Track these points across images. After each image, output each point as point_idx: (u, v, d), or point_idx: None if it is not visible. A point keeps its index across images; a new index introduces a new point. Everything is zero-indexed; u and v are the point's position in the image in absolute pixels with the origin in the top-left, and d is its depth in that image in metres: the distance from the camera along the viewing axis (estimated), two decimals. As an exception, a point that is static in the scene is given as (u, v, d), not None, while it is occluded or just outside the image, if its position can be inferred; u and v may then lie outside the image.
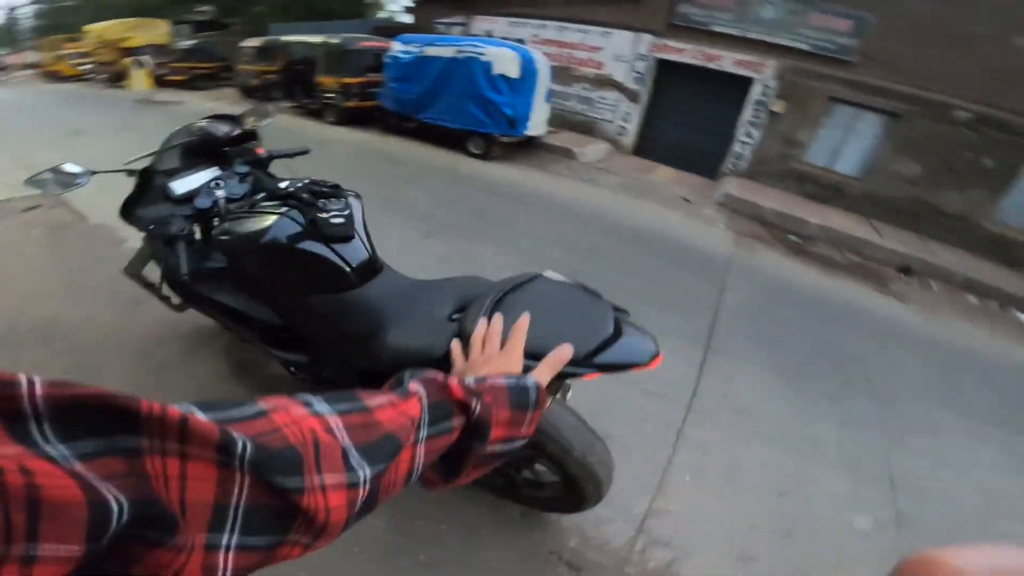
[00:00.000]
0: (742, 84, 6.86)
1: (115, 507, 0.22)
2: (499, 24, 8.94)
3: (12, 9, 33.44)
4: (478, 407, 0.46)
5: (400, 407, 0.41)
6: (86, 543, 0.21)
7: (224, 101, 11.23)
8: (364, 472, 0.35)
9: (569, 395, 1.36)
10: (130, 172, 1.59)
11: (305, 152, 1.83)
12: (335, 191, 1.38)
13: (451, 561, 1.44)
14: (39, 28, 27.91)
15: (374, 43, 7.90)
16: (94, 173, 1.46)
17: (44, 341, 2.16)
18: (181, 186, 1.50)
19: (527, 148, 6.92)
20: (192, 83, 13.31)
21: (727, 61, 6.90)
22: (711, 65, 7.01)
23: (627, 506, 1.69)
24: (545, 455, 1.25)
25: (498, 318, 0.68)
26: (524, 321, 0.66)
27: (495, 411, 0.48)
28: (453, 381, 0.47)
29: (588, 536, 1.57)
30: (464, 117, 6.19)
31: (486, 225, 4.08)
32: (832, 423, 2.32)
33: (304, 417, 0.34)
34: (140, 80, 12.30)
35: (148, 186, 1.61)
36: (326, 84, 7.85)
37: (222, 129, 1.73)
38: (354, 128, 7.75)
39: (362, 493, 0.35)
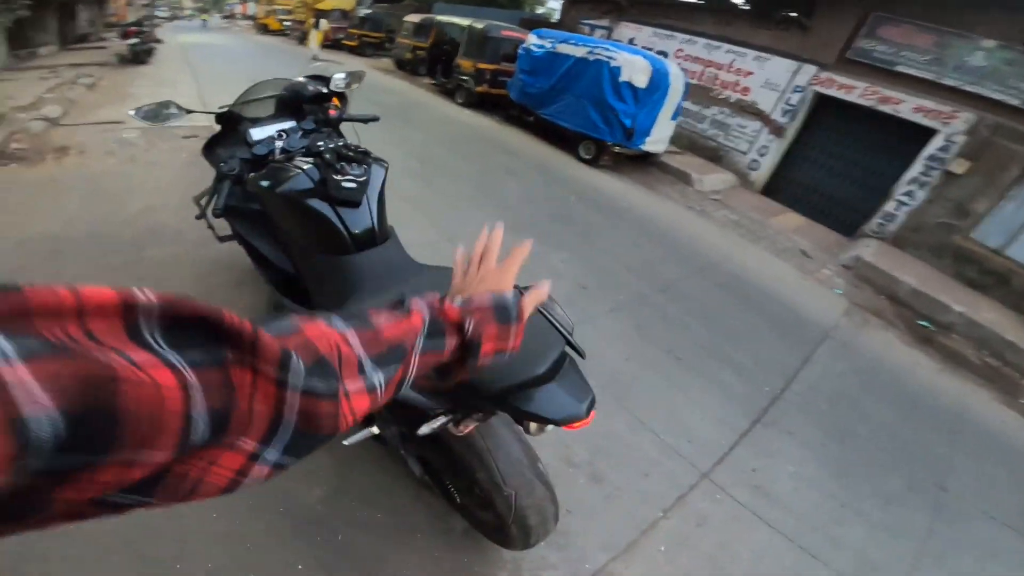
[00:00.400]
0: (918, 135, 5.78)
1: (209, 418, 0.25)
2: (644, 33, 8.55)
3: None
4: (471, 326, 0.51)
5: (404, 322, 0.45)
6: (175, 450, 0.24)
7: (377, 69, 12.24)
8: (379, 377, 0.40)
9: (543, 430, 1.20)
10: (219, 116, 1.72)
11: (375, 119, 1.85)
12: (362, 157, 1.39)
13: (366, 550, 1.37)
14: None
15: (514, 33, 8.01)
16: (189, 112, 1.60)
17: (137, 246, 2.48)
18: (258, 133, 1.59)
19: (640, 163, 6.56)
20: (360, 49, 14.69)
21: (906, 107, 5.85)
22: (884, 108, 6.00)
23: (580, 558, 1.49)
24: (476, 482, 1.12)
25: (497, 232, 0.69)
26: (526, 246, 0.68)
27: (485, 328, 0.52)
28: (448, 303, 0.52)
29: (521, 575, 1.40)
30: (581, 119, 6.02)
31: (568, 231, 3.91)
32: (866, 526, 1.88)
33: (329, 332, 0.37)
34: (314, 39, 13.86)
35: (232, 129, 1.73)
36: (463, 66, 8.16)
37: (307, 87, 1.81)
38: (479, 112, 7.97)
39: (380, 394, 0.40)
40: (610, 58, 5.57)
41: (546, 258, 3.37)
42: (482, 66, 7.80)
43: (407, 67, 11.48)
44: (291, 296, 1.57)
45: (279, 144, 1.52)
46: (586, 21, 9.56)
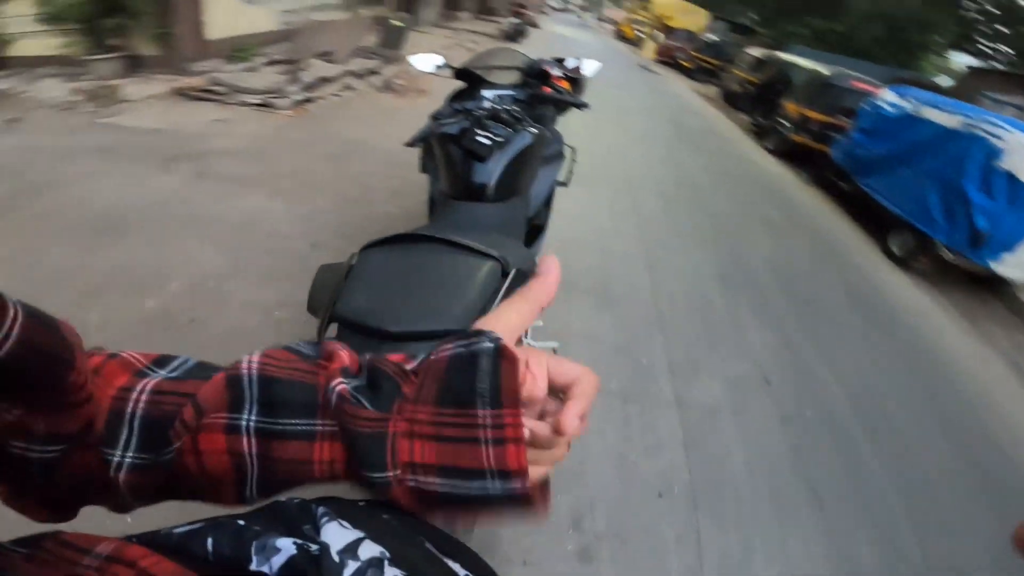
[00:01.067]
0: None
1: None
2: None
3: None
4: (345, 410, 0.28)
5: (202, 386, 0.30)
6: None
7: (699, 94, 12.09)
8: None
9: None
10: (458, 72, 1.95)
11: (584, 105, 1.94)
12: (514, 122, 1.49)
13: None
14: None
15: (867, 86, 6.67)
16: (450, 68, 1.93)
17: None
18: (488, 93, 1.78)
19: (976, 286, 4.72)
20: (692, 72, 14.75)
21: None
22: None
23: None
24: None
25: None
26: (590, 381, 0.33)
27: (405, 413, 0.28)
28: (346, 355, 0.31)
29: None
30: (912, 203, 4.66)
31: (797, 313, 3.16)
32: None
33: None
34: (648, 50, 14.48)
35: (472, 86, 1.97)
36: (788, 109, 7.29)
37: (539, 63, 2.06)
38: (784, 163, 7.07)
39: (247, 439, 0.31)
40: (994, 135, 4.09)
41: (743, 328, 2.84)
42: (810, 113, 6.82)
43: (730, 100, 11.02)
44: None
45: (486, 104, 1.68)
46: (992, 95, 7.30)
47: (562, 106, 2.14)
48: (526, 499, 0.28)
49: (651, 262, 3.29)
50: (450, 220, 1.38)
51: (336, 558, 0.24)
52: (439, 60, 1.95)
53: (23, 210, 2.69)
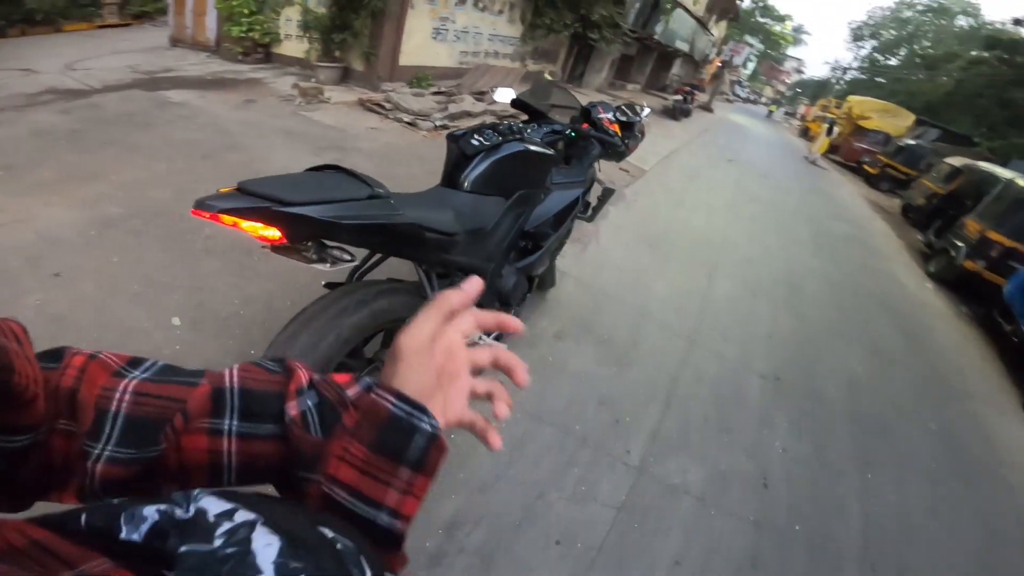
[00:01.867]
0: None
1: None
2: None
3: (839, 68, 39.77)
4: (302, 412, 0.34)
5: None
6: None
7: (872, 203, 10.85)
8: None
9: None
10: (514, 102, 2.24)
11: (616, 147, 2.35)
12: (507, 132, 1.68)
13: None
14: (844, 89, 32.56)
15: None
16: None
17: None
18: (535, 131, 2.06)
19: None
20: (875, 178, 13.12)
21: None
22: None
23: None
24: None
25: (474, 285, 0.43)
26: (511, 322, 0.44)
27: (342, 440, 0.34)
28: (305, 373, 0.37)
29: None
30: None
31: (866, 463, 2.68)
32: None
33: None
34: (820, 143, 13.31)
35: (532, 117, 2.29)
36: (967, 228, 6.16)
37: (591, 104, 2.38)
38: (944, 291, 5.97)
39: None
40: None
41: (769, 429, 2.52)
42: (993, 235, 5.66)
43: (908, 214, 9.63)
44: None
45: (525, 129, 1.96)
46: None
47: (607, 147, 2.37)
48: (398, 539, 0.34)
49: (698, 337, 3.13)
50: (420, 195, 1.58)
51: (211, 519, 0.25)
52: (513, 94, 2.27)
53: (218, 158, 3.75)
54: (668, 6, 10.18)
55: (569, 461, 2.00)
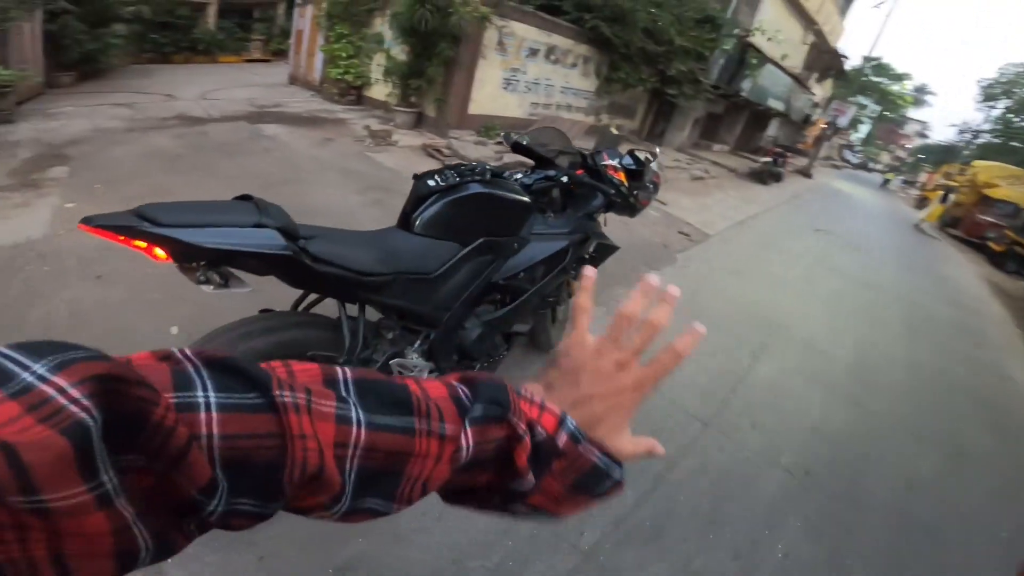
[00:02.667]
0: None
1: None
2: None
3: (968, 131, 35.64)
4: (531, 465, 0.36)
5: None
6: None
7: (998, 285, 9.49)
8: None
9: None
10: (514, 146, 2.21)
11: (608, 194, 2.18)
12: (468, 174, 1.65)
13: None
14: (974, 154, 28.94)
15: None
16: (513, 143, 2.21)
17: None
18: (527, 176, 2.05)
19: None
20: (1001, 256, 11.44)
21: None
22: None
23: None
24: None
25: (672, 294, 0.45)
26: (696, 334, 0.44)
27: (546, 481, 0.37)
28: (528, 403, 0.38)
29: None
30: None
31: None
32: None
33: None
34: (932, 210, 11.90)
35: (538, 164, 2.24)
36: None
37: (594, 150, 2.30)
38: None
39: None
40: None
41: (773, 531, 2.12)
42: None
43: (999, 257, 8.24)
44: None
45: (518, 175, 1.98)
46: None
47: (611, 197, 2.22)
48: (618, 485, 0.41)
49: (717, 422, 2.79)
50: (348, 232, 1.56)
51: None
52: (523, 139, 2.24)
53: (275, 189, 4.16)
54: (754, 61, 9.88)
55: (507, 530, 1.85)
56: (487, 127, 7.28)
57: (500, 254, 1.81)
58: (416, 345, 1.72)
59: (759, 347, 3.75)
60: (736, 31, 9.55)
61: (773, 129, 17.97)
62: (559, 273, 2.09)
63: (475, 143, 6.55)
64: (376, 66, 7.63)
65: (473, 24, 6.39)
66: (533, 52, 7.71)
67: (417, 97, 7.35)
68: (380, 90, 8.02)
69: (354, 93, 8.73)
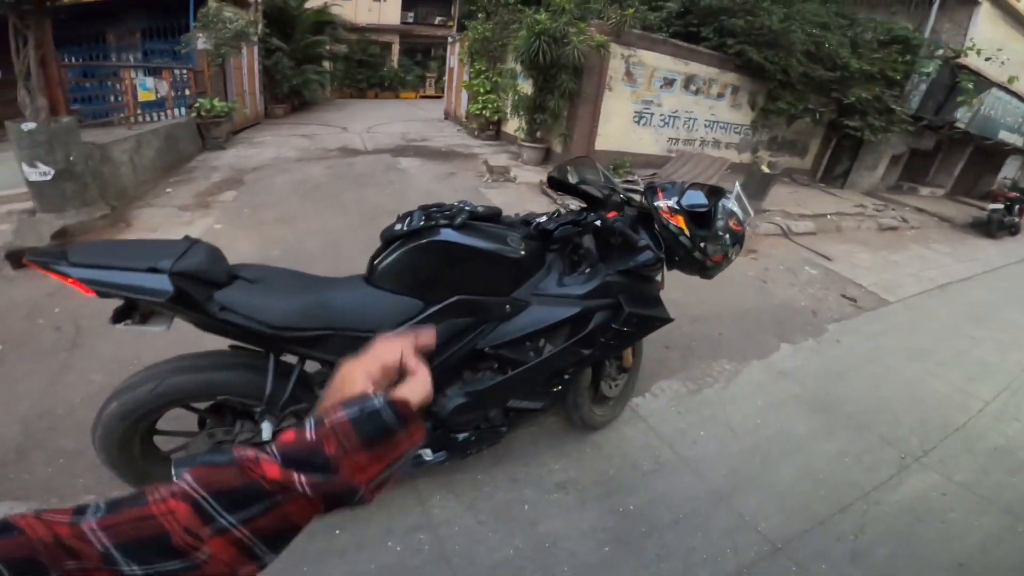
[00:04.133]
0: None
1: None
2: None
3: None
4: (303, 484, 0.39)
5: (176, 503, 0.39)
6: None
7: None
8: (132, 569, 0.36)
9: None
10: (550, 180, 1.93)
11: (641, 248, 1.69)
12: (431, 226, 1.48)
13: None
14: None
15: None
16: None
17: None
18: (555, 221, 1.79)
19: None
20: None
21: None
22: None
23: None
24: None
25: (427, 336, 0.53)
26: (427, 335, 0.53)
27: (347, 460, 0.40)
28: (259, 468, 0.40)
29: None
30: None
31: None
32: None
33: (53, 519, 0.37)
34: None
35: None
36: None
37: (611, 193, 1.84)
38: None
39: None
40: None
41: None
42: None
43: None
44: None
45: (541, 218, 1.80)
46: None
47: (669, 250, 1.71)
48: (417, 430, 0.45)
49: (803, 548, 2.08)
50: (315, 282, 1.53)
51: None
52: (567, 174, 1.89)
53: (380, 220, 4.50)
54: (969, 86, 7.74)
55: None
56: (616, 164, 6.93)
57: (486, 317, 1.58)
58: None
59: (916, 453, 2.72)
60: (939, 51, 7.63)
61: (1012, 170, 13.88)
62: (578, 345, 1.68)
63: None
64: (510, 101, 7.88)
65: (593, 54, 6.18)
66: (668, 82, 7.18)
67: (543, 132, 7.39)
68: (514, 125, 8.30)
69: (493, 128, 9.19)
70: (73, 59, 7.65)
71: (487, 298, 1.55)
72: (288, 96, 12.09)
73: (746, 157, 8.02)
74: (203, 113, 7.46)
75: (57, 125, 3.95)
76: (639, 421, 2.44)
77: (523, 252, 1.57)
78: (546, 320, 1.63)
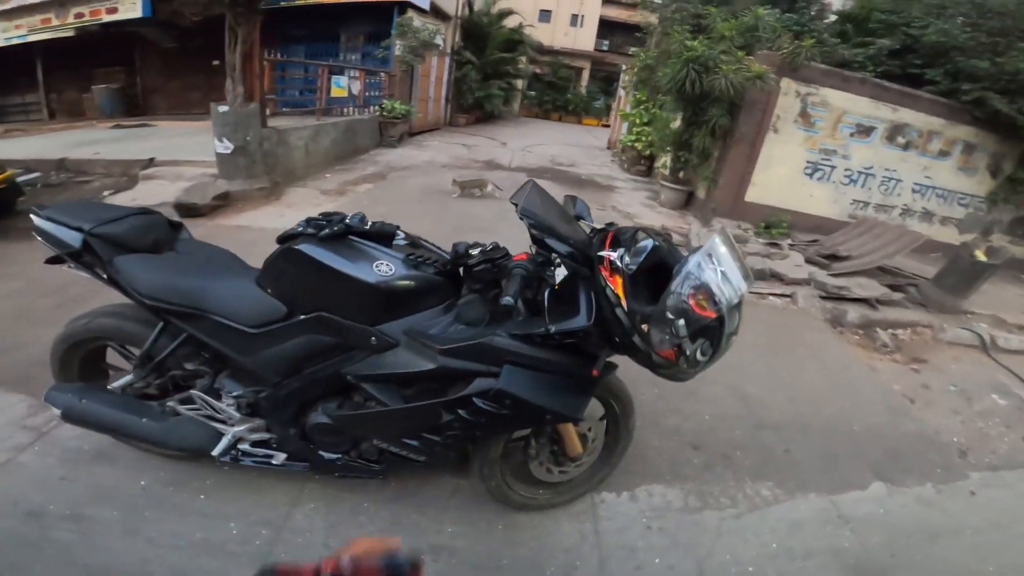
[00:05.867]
0: None
1: None
2: None
3: None
4: None
5: None
6: None
7: None
8: None
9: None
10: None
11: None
12: (304, 231, 1.51)
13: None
14: None
15: None
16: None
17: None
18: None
19: None
20: None
21: None
22: None
23: None
24: None
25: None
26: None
27: None
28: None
29: None
30: None
31: None
32: None
33: None
34: None
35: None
36: None
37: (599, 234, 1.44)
38: None
39: None
40: None
41: None
42: None
43: None
44: None
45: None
46: None
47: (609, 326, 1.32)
48: None
49: None
50: (210, 267, 1.68)
51: None
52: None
53: (463, 235, 4.68)
54: None
55: None
56: (770, 222, 5.86)
57: (350, 343, 1.51)
58: (208, 384, 1.67)
59: None
60: None
61: None
62: (441, 407, 1.45)
63: (735, 237, 5.47)
64: (658, 134, 7.41)
65: (752, 88, 5.37)
66: (863, 130, 5.84)
67: (687, 172, 6.77)
68: (662, 162, 7.82)
69: (645, 163, 8.82)
70: (283, 55, 9.76)
71: (349, 323, 1.47)
72: (472, 107, 13.47)
73: (970, 238, 6.14)
74: (385, 113, 8.76)
75: (243, 110, 5.06)
76: (587, 519, 1.99)
77: (392, 281, 1.43)
78: (404, 366, 1.46)
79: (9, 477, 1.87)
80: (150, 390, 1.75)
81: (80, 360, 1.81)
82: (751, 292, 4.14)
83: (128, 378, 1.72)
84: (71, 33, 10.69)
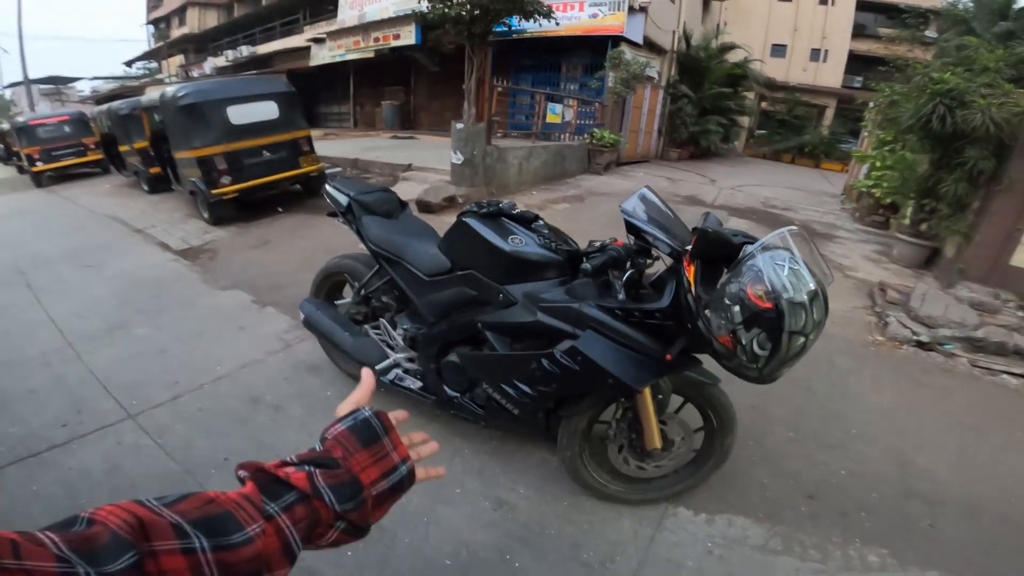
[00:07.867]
0: None
1: None
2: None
3: None
4: (320, 482, 0.51)
5: (231, 494, 0.48)
6: None
7: None
8: (200, 541, 0.42)
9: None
10: None
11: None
12: (477, 209, 2.00)
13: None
14: None
15: None
16: None
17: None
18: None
19: None
20: None
21: None
22: None
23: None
24: None
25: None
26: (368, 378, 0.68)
27: (352, 461, 0.55)
28: (285, 470, 0.52)
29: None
30: None
31: None
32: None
33: (129, 507, 0.41)
34: None
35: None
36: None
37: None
38: None
39: (206, 559, 0.42)
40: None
41: None
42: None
43: None
44: None
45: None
46: None
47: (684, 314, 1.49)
48: (413, 473, 0.60)
49: None
50: (417, 225, 2.46)
51: None
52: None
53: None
54: None
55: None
56: None
57: (485, 297, 1.91)
58: (392, 317, 2.37)
59: None
60: None
61: None
62: (531, 359, 1.74)
63: (970, 303, 4.53)
64: (899, 179, 6.32)
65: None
66: None
67: (932, 224, 5.70)
68: (905, 211, 6.66)
69: (883, 213, 7.62)
70: (511, 83, 11.14)
71: (487, 281, 1.89)
72: (686, 142, 13.38)
73: None
74: (594, 141, 9.57)
75: (473, 128, 6.32)
76: (650, 524, 2.00)
77: (520, 250, 1.81)
78: (515, 318, 1.81)
79: (255, 371, 2.89)
80: (358, 316, 2.56)
81: (329, 287, 2.78)
82: (977, 366, 3.46)
83: (348, 301, 2.59)
84: (371, 55, 13.99)
